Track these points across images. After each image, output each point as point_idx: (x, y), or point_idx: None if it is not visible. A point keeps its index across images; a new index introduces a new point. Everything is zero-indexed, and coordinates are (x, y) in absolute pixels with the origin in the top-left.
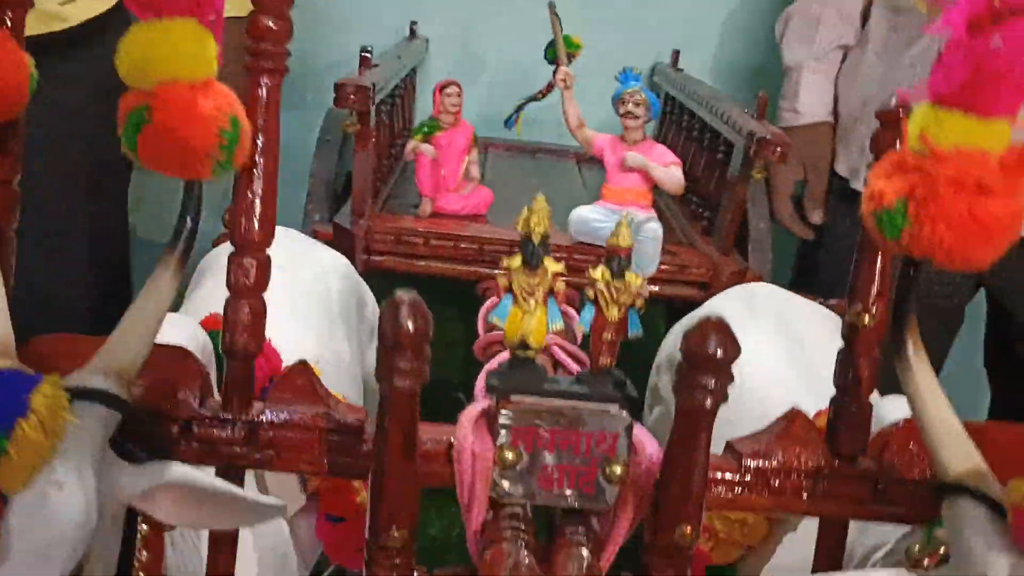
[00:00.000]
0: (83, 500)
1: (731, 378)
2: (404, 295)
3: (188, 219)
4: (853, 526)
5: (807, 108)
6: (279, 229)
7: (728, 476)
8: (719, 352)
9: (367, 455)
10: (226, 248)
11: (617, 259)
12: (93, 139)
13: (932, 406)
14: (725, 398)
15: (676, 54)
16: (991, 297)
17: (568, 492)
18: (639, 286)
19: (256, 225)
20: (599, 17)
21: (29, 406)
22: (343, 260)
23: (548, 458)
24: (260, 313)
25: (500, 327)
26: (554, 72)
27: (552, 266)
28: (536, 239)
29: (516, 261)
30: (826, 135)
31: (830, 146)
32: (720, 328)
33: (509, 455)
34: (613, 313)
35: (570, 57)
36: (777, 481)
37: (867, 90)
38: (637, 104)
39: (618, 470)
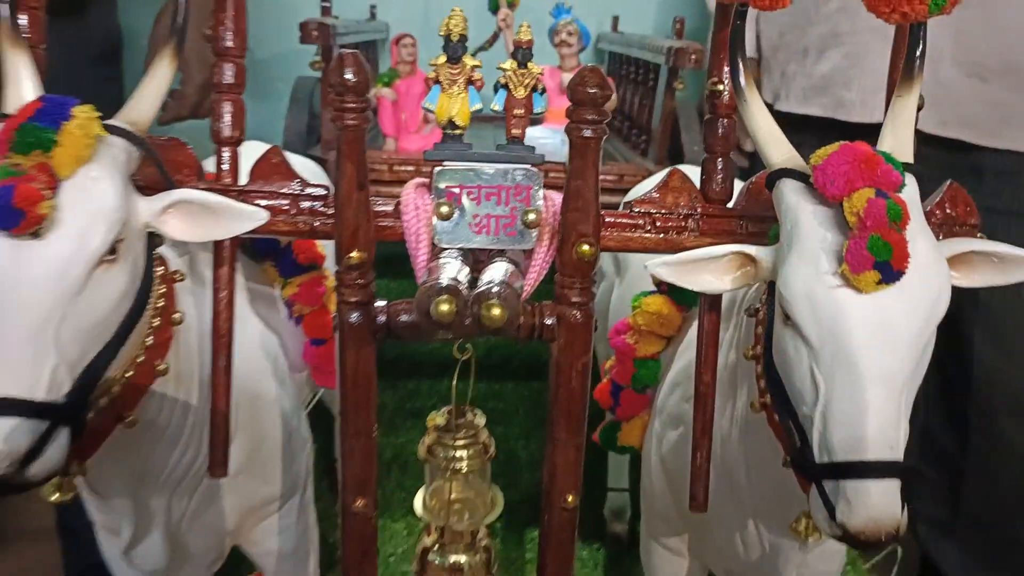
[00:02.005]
0: (115, 192)
1: (607, 115)
2: (347, 52)
3: (180, 20)
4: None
5: None
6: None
7: (623, 220)
8: (597, 92)
9: (330, 217)
10: None
11: (521, 51)
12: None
13: (761, 121)
14: (605, 133)
15: (616, 19)
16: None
17: (495, 237)
18: (538, 72)
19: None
20: None
21: (71, 114)
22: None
23: (476, 209)
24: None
25: (432, 110)
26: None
27: (470, 61)
28: (454, 38)
29: (441, 58)
30: (752, 70)
31: (756, 78)
32: (595, 72)
33: (444, 208)
34: (520, 92)
35: (510, 6)
36: (660, 222)
37: (782, 23)
38: (570, 34)
39: (532, 216)
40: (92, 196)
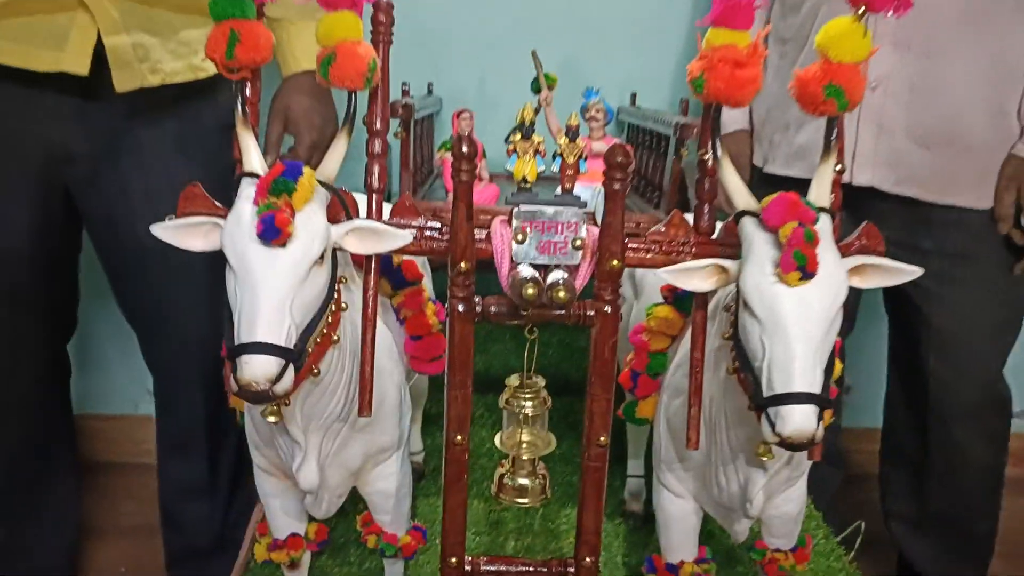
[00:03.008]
0: (323, 221)
1: (630, 175)
2: (464, 135)
3: (351, 111)
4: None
5: (729, 120)
6: None
7: (641, 246)
8: (623, 160)
9: (445, 240)
10: None
11: (571, 131)
12: (214, 158)
13: (731, 179)
14: (628, 187)
15: (634, 96)
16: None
17: (554, 256)
18: (583, 147)
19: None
20: (573, 72)
21: (303, 172)
22: None
23: (541, 237)
24: (384, 171)
25: (511, 171)
26: (538, 98)
27: (536, 138)
28: (527, 123)
29: (517, 136)
30: (745, 138)
31: (749, 145)
32: (623, 148)
33: (519, 236)
34: (571, 160)
35: (549, 87)
36: (665, 248)
37: (768, 102)
38: (599, 111)
39: (579, 242)
40: (313, 222)
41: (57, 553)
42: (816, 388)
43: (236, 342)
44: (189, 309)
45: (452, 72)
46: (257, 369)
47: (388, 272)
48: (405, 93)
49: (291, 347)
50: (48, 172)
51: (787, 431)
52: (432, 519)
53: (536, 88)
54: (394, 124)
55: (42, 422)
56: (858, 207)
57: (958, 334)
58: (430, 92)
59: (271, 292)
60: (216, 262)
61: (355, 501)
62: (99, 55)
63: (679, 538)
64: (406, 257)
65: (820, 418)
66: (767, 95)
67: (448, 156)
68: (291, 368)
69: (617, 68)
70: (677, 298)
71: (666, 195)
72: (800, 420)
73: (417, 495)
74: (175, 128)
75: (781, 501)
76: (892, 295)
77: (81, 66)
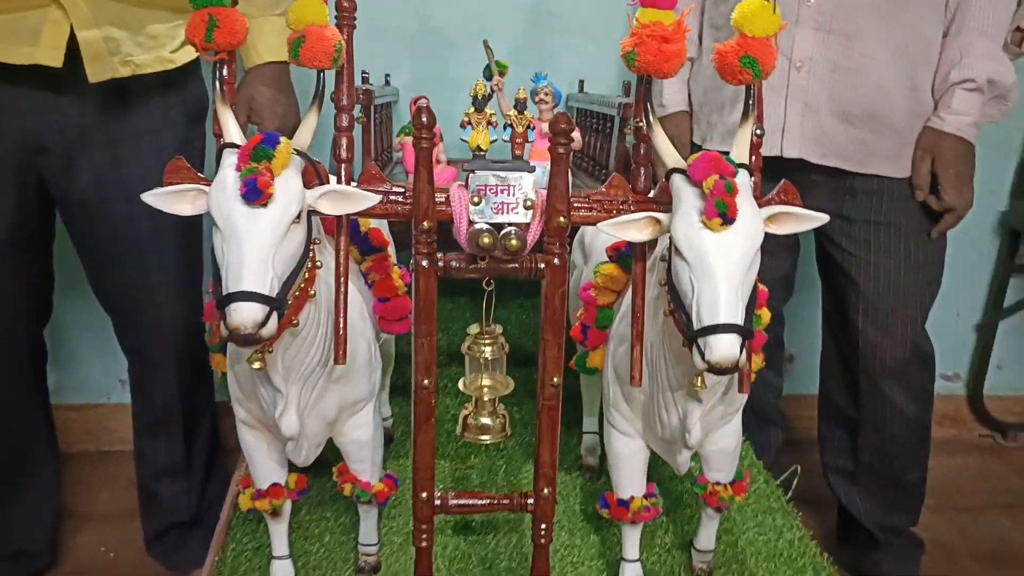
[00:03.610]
0: (299, 185)
1: (572, 139)
2: (424, 106)
3: (320, 90)
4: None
5: (670, 102)
6: None
7: (585, 204)
8: (564, 125)
9: (408, 203)
10: None
11: (519, 103)
12: (183, 147)
13: (662, 143)
14: (571, 151)
15: (582, 83)
16: (825, 253)
17: (507, 215)
18: (530, 117)
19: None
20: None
21: (280, 141)
22: None
23: (495, 199)
24: (351, 143)
25: (466, 140)
26: (490, 84)
27: (488, 111)
28: (480, 97)
29: (471, 109)
30: (685, 119)
31: (688, 126)
32: (565, 116)
33: (475, 198)
34: (520, 129)
35: (501, 74)
36: (606, 206)
37: (705, 84)
38: (547, 94)
39: (529, 201)
40: (290, 186)
41: (37, 535)
42: (739, 320)
43: (224, 292)
44: (163, 294)
45: (408, 64)
46: (245, 315)
47: (356, 239)
48: (365, 80)
49: (274, 296)
50: (24, 163)
51: (715, 357)
52: (403, 478)
53: (488, 75)
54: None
55: (20, 405)
56: (790, 177)
57: (883, 296)
58: (387, 83)
59: (255, 247)
60: (187, 249)
61: (333, 455)
62: (71, 51)
63: (628, 475)
64: (373, 225)
65: (743, 347)
66: (704, 77)
67: (407, 139)
68: (274, 315)
69: (565, 57)
70: (621, 256)
71: (611, 170)
72: (725, 347)
73: (387, 456)
74: (145, 120)
75: (718, 437)
76: (825, 265)
77: (55, 59)
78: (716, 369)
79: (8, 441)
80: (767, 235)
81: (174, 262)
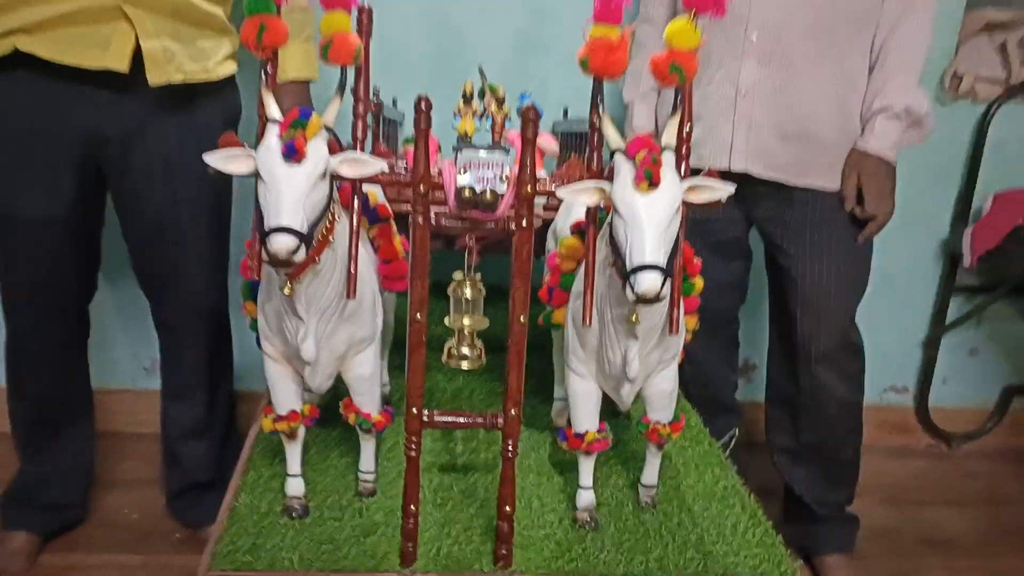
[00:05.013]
0: (325, 149)
1: (538, 125)
2: (424, 100)
3: (343, 82)
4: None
5: (639, 127)
6: None
7: (548, 180)
8: (532, 115)
9: (410, 173)
10: None
11: (497, 99)
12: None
13: (610, 132)
14: (536, 134)
15: (566, 110)
16: (768, 241)
17: (488, 186)
18: (508, 108)
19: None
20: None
21: (312, 115)
22: None
23: (479, 173)
24: (366, 127)
25: (456, 128)
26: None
27: (474, 104)
28: (467, 92)
29: (461, 101)
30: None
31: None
32: (532, 108)
33: (462, 170)
34: (499, 119)
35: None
36: (564, 184)
37: (667, 111)
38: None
39: (506, 176)
40: (318, 149)
41: (74, 490)
42: (661, 262)
43: (267, 227)
44: (195, 272)
45: (413, 89)
46: (282, 242)
47: (366, 211)
48: (376, 95)
49: (304, 232)
50: (86, 151)
51: (640, 289)
52: (396, 430)
53: (481, 95)
54: None
55: (68, 372)
56: (739, 190)
57: (817, 292)
58: (395, 105)
59: (291, 194)
60: (219, 234)
61: (341, 433)
62: (134, 58)
63: (584, 411)
64: (381, 201)
65: (664, 282)
66: (666, 101)
67: (410, 147)
68: (303, 247)
69: (552, 87)
70: (581, 232)
71: None
72: (650, 280)
73: None
74: (190, 119)
75: (658, 380)
76: (770, 265)
77: (122, 64)
78: (643, 299)
79: (56, 403)
80: (724, 244)
81: (207, 245)
